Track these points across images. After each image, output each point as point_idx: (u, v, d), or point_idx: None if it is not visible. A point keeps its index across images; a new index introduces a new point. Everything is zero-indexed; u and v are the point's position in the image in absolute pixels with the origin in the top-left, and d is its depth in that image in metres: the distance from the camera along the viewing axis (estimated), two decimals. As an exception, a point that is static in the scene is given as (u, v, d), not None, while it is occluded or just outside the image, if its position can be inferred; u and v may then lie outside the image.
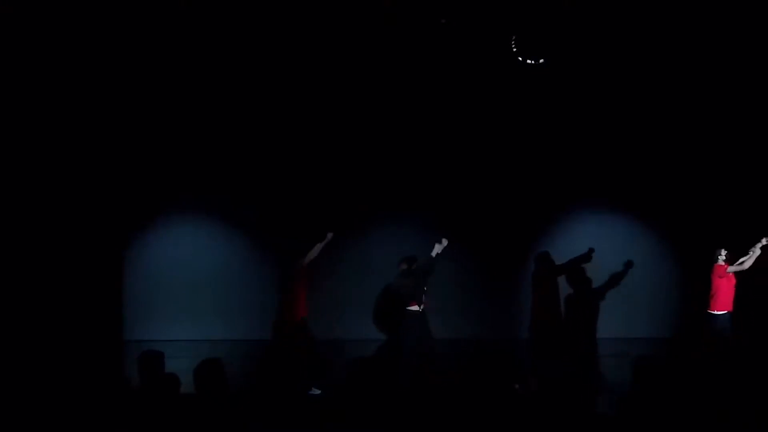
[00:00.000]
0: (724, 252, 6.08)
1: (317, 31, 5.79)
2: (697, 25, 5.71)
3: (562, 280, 6.69)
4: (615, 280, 7.60)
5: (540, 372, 3.13)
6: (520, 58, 5.76)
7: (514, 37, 5.71)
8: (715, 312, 6.06)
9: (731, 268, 6.02)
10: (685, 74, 6.38)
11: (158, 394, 3.36)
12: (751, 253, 5.94)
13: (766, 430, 2.96)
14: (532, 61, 5.76)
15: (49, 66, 6.05)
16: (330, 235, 6.13)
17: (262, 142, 7.30)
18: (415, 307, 6.40)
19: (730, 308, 6.04)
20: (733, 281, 6.07)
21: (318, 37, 5.87)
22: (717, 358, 5.84)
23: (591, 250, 6.88)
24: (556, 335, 6.06)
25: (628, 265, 6.91)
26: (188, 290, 7.51)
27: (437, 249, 6.25)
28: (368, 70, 6.33)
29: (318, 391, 5.78)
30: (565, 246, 7.74)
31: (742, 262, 5.98)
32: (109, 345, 7.26)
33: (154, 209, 7.69)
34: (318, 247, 6.13)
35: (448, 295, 7.52)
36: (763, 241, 5.87)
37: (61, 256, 7.09)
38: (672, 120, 7.03)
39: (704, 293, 6.50)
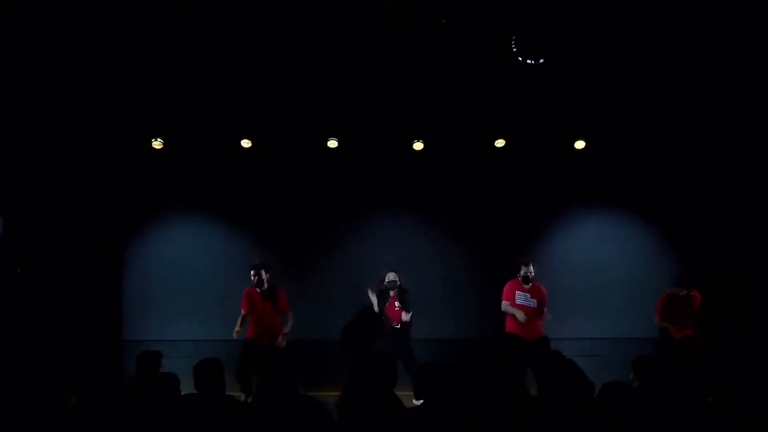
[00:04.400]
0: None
1: (316, 30, 5.79)
2: (697, 25, 5.71)
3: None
4: (615, 280, 7.60)
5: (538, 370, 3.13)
6: (520, 58, 5.76)
7: (514, 37, 5.71)
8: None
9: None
10: (686, 74, 6.37)
11: (156, 393, 3.36)
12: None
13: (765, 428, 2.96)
14: (532, 61, 5.75)
15: (46, 65, 6.05)
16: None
17: (262, 142, 7.31)
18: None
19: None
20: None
21: (317, 36, 5.87)
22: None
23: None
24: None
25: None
26: (188, 290, 7.51)
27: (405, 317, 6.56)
28: (367, 69, 6.33)
29: None
30: (564, 245, 7.76)
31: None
32: (109, 345, 7.27)
33: (154, 209, 7.70)
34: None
35: (449, 296, 7.53)
36: None
37: (61, 255, 7.10)
38: (672, 120, 7.02)
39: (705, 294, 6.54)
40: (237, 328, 6.33)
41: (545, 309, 6.23)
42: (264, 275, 6.32)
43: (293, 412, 3.12)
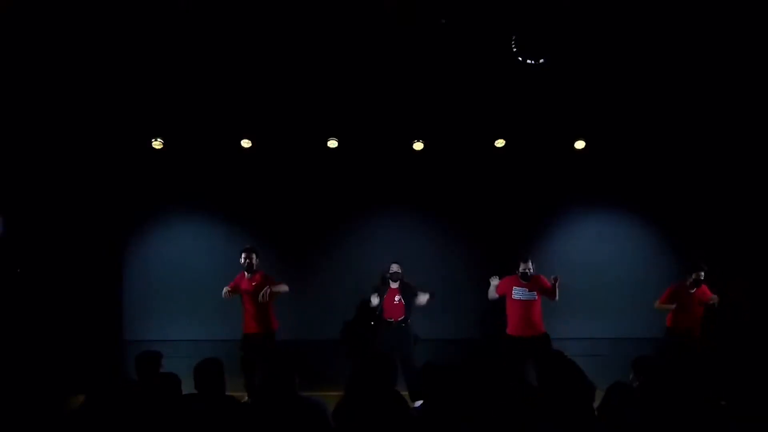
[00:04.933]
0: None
1: (316, 30, 5.79)
2: (698, 25, 5.71)
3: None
4: (615, 280, 7.61)
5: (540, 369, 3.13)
6: (520, 58, 5.76)
7: (514, 37, 5.70)
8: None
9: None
10: (686, 74, 6.37)
11: (157, 393, 3.36)
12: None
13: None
14: (532, 61, 5.75)
15: (46, 65, 6.05)
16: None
17: (262, 142, 7.31)
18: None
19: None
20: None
21: (317, 36, 5.86)
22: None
23: None
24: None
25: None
26: (188, 290, 7.51)
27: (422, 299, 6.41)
28: (367, 69, 6.33)
29: None
30: (564, 245, 7.76)
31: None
32: (109, 345, 7.27)
33: (154, 209, 7.70)
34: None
35: (449, 296, 7.52)
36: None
37: (61, 255, 7.10)
38: (672, 119, 7.02)
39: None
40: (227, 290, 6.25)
41: (556, 291, 6.10)
42: (254, 259, 6.32)
43: (290, 412, 3.12)
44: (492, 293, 6.37)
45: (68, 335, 6.90)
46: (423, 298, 6.41)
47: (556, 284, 6.06)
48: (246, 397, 5.98)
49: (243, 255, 6.31)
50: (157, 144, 7.11)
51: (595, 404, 2.96)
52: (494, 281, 6.38)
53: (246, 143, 7.21)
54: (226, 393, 3.54)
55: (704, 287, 6.22)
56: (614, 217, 7.78)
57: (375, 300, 6.43)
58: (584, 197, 7.73)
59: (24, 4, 5.33)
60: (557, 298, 6.10)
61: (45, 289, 6.91)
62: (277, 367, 3.28)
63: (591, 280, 7.54)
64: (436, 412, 3.02)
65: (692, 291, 6.16)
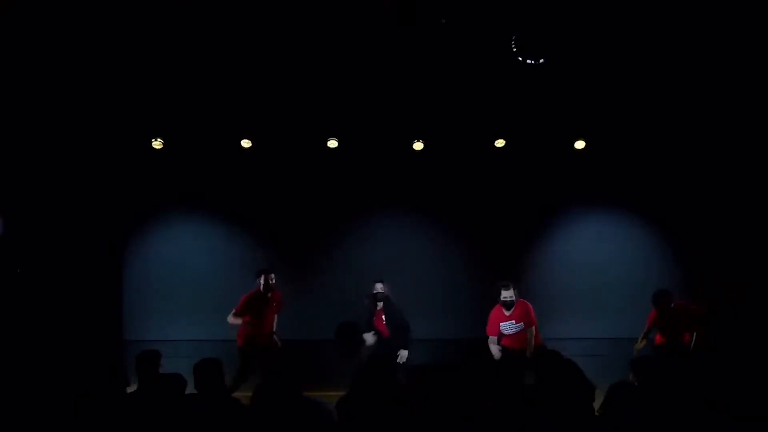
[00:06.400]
0: None
1: (316, 30, 5.79)
2: (697, 25, 5.70)
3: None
4: (615, 280, 7.61)
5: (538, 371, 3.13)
6: (520, 58, 5.75)
7: (514, 37, 5.70)
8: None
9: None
10: (686, 74, 6.37)
11: (157, 393, 3.35)
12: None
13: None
14: (532, 61, 5.75)
15: (46, 65, 6.04)
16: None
17: (262, 142, 7.31)
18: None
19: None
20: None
21: (317, 36, 5.86)
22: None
23: None
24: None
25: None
26: (188, 290, 7.52)
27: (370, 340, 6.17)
28: (368, 70, 6.33)
29: None
30: (564, 245, 7.76)
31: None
32: (109, 345, 7.27)
33: (154, 209, 7.70)
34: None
35: (449, 296, 7.53)
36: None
37: (61, 255, 7.10)
38: (672, 119, 7.02)
39: (705, 293, 6.56)
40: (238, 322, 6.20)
41: (533, 328, 5.93)
42: (273, 279, 6.24)
43: (295, 413, 3.11)
44: (494, 350, 6.09)
45: (68, 335, 6.90)
46: (403, 358, 6.06)
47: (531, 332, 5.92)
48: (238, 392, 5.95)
49: (263, 277, 6.16)
50: (157, 144, 7.11)
51: (596, 404, 2.95)
52: (493, 347, 6.10)
53: (246, 143, 7.21)
54: (224, 392, 3.54)
55: (686, 304, 6.19)
56: (614, 217, 7.78)
57: (370, 339, 6.18)
58: (584, 197, 7.73)
59: (24, 4, 5.32)
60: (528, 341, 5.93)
61: (45, 289, 6.91)
62: (281, 366, 3.24)
63: (591, 280, 7.55)
64: (436, 412, 3.01)
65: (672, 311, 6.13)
